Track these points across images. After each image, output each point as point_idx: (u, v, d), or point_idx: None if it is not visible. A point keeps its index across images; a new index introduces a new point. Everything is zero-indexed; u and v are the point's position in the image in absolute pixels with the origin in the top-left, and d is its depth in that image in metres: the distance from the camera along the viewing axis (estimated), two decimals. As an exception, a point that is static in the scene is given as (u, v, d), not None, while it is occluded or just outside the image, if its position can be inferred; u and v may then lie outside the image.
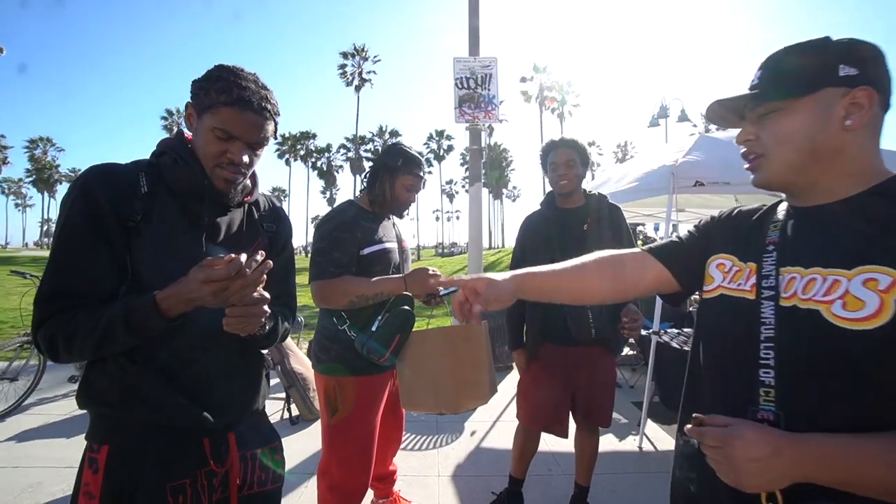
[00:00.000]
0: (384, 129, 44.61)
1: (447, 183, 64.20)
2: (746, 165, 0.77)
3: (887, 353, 0.59)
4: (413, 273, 1.67)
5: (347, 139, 45.11)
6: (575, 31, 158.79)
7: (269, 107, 0.97)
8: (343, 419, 1.66)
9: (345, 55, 39.29)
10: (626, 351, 4.92)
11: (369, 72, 39.73)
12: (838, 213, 0.69)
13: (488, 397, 1.56)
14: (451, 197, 66.07)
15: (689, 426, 0.67)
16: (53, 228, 1.06)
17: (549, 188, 2.15)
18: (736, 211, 0.88)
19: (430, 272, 1.65)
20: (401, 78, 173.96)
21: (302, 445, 2.95)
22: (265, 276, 0.86)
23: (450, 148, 50.36)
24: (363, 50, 39.42)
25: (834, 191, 0.70)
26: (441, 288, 0.91)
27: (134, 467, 0.93)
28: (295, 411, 3.42)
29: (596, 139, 53.84)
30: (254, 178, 1.13)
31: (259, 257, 0.83)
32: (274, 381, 4.07)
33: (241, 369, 1.08)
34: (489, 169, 42.25)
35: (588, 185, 2.22)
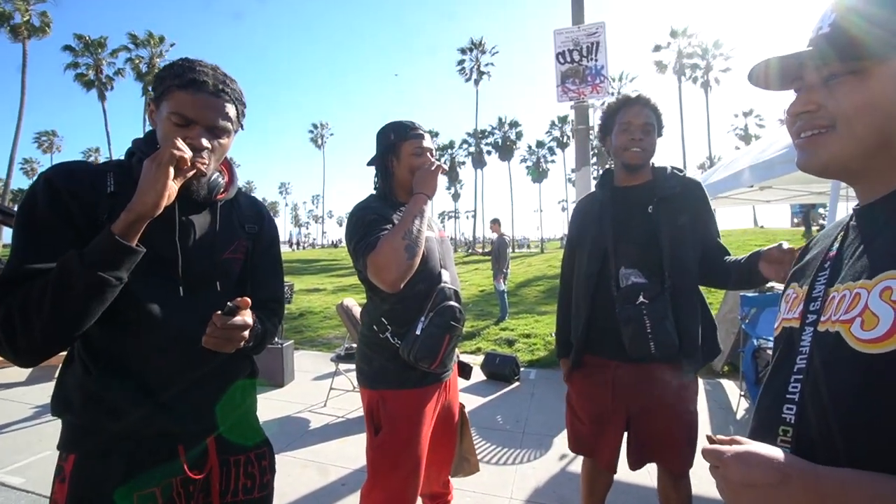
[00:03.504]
0: (503, 120, 43.61)
1: (572, 171, 61.16)
2: (799, 141, 0.61)
3: None
4: (417, 179, 1.46)
5: (468, 134, 45.64)
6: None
7: (227, 90, 0.95)
8: (389, 438, 1.50)
9: (462, 51, 39.53)
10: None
11: (487, 64, 39.47)
12: (882, 210, 0.58)
13: (477, 468, 1.81)
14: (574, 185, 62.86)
15: (704, 445, 0.59)
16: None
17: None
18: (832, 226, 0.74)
19: (430, 167, 1.46)
20: (518, 67, 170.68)
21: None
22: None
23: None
24: (481, 43, 39.24)
25: (887, 183, 0.58)
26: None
27: (98, 477, 0.90)
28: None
29: (755, 108, 45.78)
30: (231, 175, 1.10)
31: None
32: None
33: (221, 373, 1.03)
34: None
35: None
